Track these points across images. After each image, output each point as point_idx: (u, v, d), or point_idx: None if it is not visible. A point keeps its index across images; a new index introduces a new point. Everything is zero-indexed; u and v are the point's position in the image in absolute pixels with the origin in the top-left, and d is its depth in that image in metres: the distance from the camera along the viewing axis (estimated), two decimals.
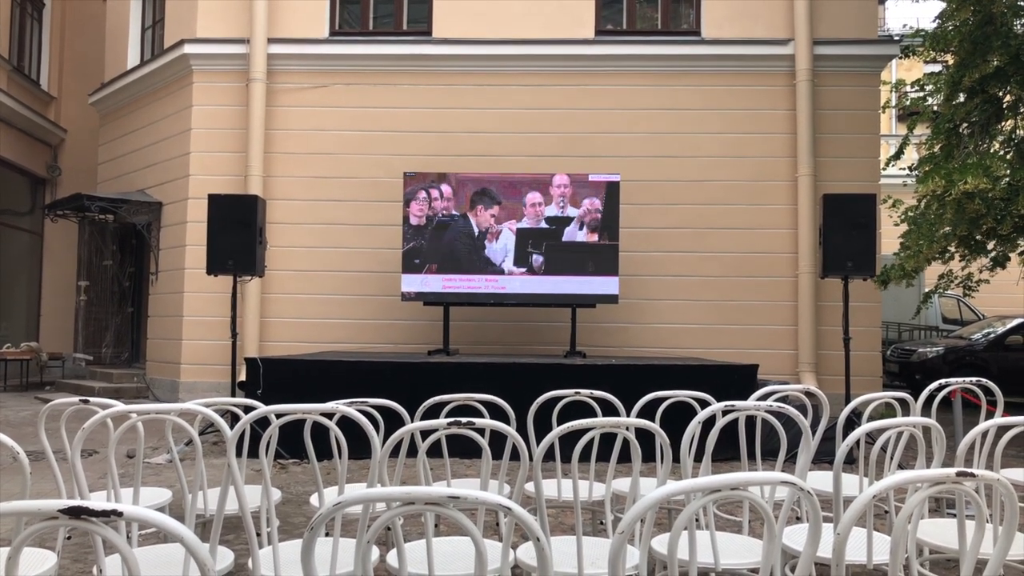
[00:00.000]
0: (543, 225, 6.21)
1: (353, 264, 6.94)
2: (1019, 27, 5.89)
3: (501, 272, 6.17)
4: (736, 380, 4.97)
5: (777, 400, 2.97)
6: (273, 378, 4.94)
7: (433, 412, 3.00)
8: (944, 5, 6.31)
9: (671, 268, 6.88)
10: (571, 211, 6.17)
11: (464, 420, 1.83)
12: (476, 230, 6.17)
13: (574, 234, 6.16)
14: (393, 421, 2.72)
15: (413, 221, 6.20)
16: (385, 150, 7.02)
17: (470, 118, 6.99)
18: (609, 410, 2.81)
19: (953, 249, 6.43)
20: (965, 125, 6.32)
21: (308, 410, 2.02)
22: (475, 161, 6.84)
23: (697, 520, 2.23)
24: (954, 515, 2.91)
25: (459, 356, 6.04)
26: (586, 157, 6.90)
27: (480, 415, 2.91)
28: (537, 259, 6.18)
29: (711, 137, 6.94)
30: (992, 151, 6.19)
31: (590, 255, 6.14)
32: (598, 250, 6.15)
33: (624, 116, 6.97)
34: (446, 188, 6.23)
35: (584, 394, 2.79)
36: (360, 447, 2.49)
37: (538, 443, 2.64)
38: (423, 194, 6.20)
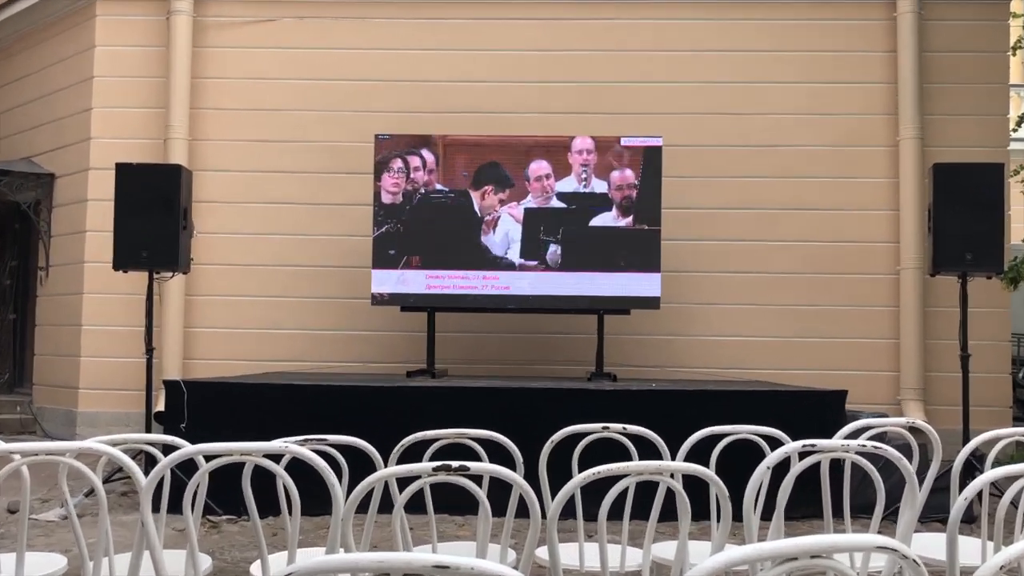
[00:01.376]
0: (557, 204, 6.23)
1: (308, 256, 6.96)
2: None
3: (504, 267, 6.21)
4: (817, 411, 4.99)
5: (872, 438, 2.97)
6: (202, 407, 4.97)
7: (414, 453, 3.00)
8: None
9: (730, 262, 6.86)
10: (597, 186, 6.19)
11: (455, 464, 1.84)
12: (476, 211, 6.20)
13: (601, 217, 6.18)
14: (361, 465, 2.73)
15: (387, 199, 6.23)
16: (349, 105, 7.02)
17: (462, 63, 7.00)
18: (648, 451, 2.81)
19: None
20: None
21: (248, 450, 2.04)
22: (468, 120, 6.85)
23: None
24: None
25: (448, 379, 6.07)
26: (616, 115, 6.89)
27: (476, 458, 2.92)
28: (553, 250, 6.20)
29: (784, 88, 6.95)
30: None
31: (623, 245, 6.16)
32: (633, 238, 6.17)
33: (667, 60, 6.96)
34: (430, 155, 6.25)
35: (615, 430, 2.79)
36: (317, 500, 2.50)
37: (553, 495, 2.64)
38: (399, 163, 6.23)
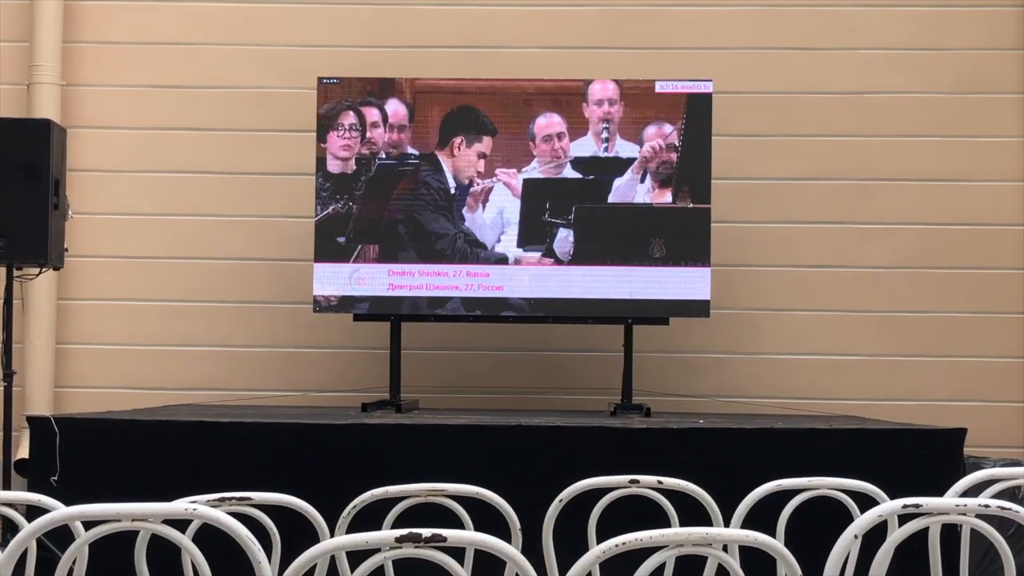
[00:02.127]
0: (570, 173, 6.22)
1: (225, 245, 6.95)
2: None
3: (496, 259, 6.21)
4: (925, 457, 4.99)
5: (1000, 495, 2.97)
6: (80, 453, 4.96)
7: (372, 517, 3.00)
8: None
9: (806, 253, 6.86)
10: (623, 148, 6.19)
11: (427, 532, 1.84)
12: (451, 182, 6.20)
13: (629, 190, 6.18)
14: (299, 533, 2.73)
15: (334, 167, 6.24)
16: (284, 37, 7.00)
17: None
18: (692, 513, 2.80)
19: None
20: None
21: (143, 514, 2.04)
22: (446, 59, 6.83)
23: None
24: None
25: (419, 413, 6.07)
26: (647, 50, 6.86)
27: (457, 523, 2.90)
28: (562, 236, 6.19)
29: (880, 14, 6.95)
30: None
31: (659, 228, 6.16)
32: (674, 219, 6.17)
33: None
34: (395, 106, 6.25)
35: (647, 483, 2.80)
36: None
37: (563, 574, 2.63)
38: (352, 117, 6.24)
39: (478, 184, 6.22)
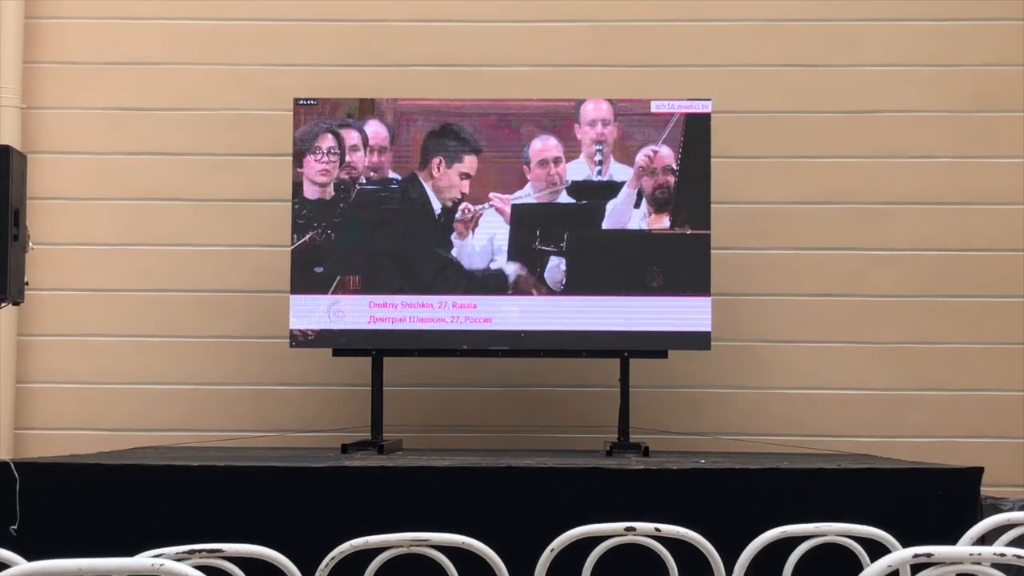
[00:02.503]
0: (563, 199, 6.25)
1: (196, 277, 6.96)
2: None
3: (485, 289, 6.23)
4: (939, 499, 4.98)
5: (1019, 541, 2.97)
6: (41, 501, 4.93)
7: (352, 568, 2.99)
8: None
9: (813, 281, 6.89)
10: (617, 171, 6.23)
11: None
12: (436, 206, 6.22)
13: (624, 215, 6.22)
14: None
15: (311, 192, 6.26)
16: (257, 57, 7.03)
17: None
18: (693, 562, 2.81)
19: None
20: None
21: (106, 570, 2.03)
22: (431, 78, 6.87)
23: None
24: None
25: (402, 455, 6.05)
26: (642, 68, 6.90)
27: (441, 575, 2.89)
28: (554, 265, 6.21)
29: (889, 29, 6.99)
30: None
31: (656, 256, 6.19)
32: (671, 247, 6.20)
33: None
34: (375, 128, 6.27)
35: (644, 531, 2.78)
36: None
37: None
38: (330, 140, 6.26)
39: (468, 211, 6.22)
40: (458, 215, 6.21)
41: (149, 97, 7.02)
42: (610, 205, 6.23)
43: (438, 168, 6.24)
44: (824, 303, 6.90)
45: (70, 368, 6.91)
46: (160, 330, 6.91)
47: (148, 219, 6.97)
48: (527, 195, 6.23)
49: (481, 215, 6.21)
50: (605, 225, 6.23)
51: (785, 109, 6.97)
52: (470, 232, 6.22)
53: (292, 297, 6.21)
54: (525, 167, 6.25)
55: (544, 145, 6.25)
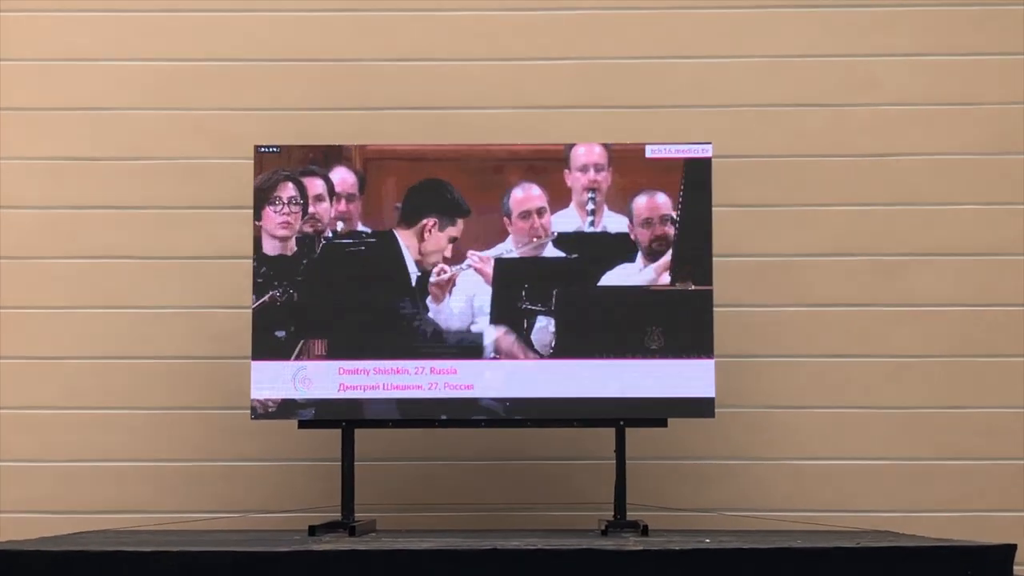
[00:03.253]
0: (551, 252, 6.29)
1: (145, 342, 6.97)
2: None
3: (465, 353, 6.25)
4: None
5: None
6: None
7: None
8: None
9: (824, 341, 6.91)
10: (612, 221, 6.27)
11: None
12: (412, 267, 6.27)
13: (619, 270, 6.25)
14: None
15: (271, 248, 6.26)
16: (214, 101, 7.09)
17: (395, 31, 7.09)
18: None
19: None
20: None
21: None
22: (406, 123, 6.94)
23: None
24: None
25: (376, 537, 6.00)
26: (635, 110, 6.97)
27: None
28: (542, 325, 6.23)
29: (904, 65, 7.07)
30: None
31: (655, 315, 6.20)
32: (671, 304, 6.22)
33: (715, 25, 7.07)
34: (342, 175, 6.30)
35: None
36: None
37: None
38: (291, 190, 6.27)
39: (444, 272, 6.23)
40: (432, 278, 6.22)
41: (93, 146, 7.07)
42: (606, 264, 6.27)
43: (430, 231, 6.27)
44: (839, 365, 6.91)
45: (7, 445, 6.88)
46: (109, 402, 6.91)
47: (95, 280, 6.98)
48: (508, 251, 6.26)
49: (458, 276, 6.23)
50: (602, 281, 6.24)
51: (793, 153, 7.02)
52: (447, 295, 6.25)
53: (253, 364, 6.20)
54: (505, 219, 6.28)
55: (526, 195, 6.28)
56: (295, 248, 6.26)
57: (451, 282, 6.24)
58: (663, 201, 6.27)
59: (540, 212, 6.27)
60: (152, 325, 7.01)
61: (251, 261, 6.29)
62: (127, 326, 7.00)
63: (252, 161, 6.34)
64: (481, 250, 6.27)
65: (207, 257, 7.00)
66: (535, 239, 6.29)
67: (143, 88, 7.13)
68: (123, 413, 6.94)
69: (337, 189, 6.29)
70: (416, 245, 6.27)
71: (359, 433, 6.31)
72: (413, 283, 6.27)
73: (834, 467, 6.89)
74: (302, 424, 6.32)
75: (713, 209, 6.27)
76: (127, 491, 6.86)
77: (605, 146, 6.33)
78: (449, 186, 6.30)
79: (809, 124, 7.06)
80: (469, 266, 6.27)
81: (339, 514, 6.19)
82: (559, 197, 6.29)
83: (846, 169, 7.04)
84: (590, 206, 6.27)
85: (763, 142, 7.03)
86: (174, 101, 7.12)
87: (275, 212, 6.28)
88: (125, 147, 7.08)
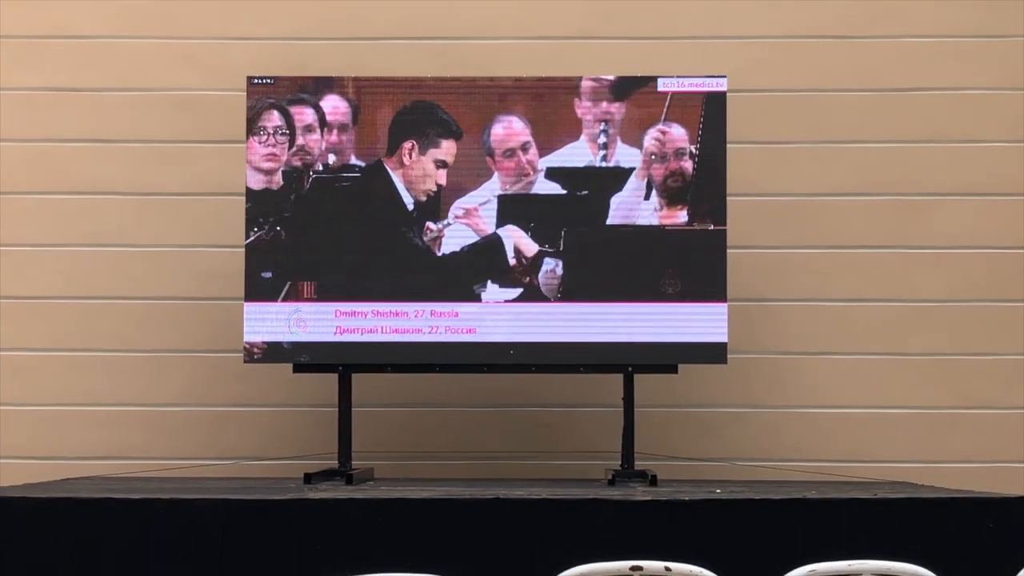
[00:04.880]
0: (553, 188, 6.25)
1: (134, 283, 6.98)
2: None
3: (468, 295, 6.23)
4: (989, 531, 4.95)
5: None
6: None
7: None
8: None
9: (843, 284, 6.92)
10: (625, 155, 6.23)
11: None
12: (406, 200, 6.23)
13: (632, 207, 6.22)
14: None
15: (256, 182, 6.23)
16: (206, 30, 7.05)
17: None
18: None
19: None
20: None
21: None
22: (406, 54, 6.92)
23: None
24: None
25: (374, 485, 6.05)
26: (647, 41, 6.95)
27: None
28: (549, 267, 6.22)
29: None
30: None
31: (668, 256, 6.19)
32: (685, 245, 6.20)
33: None
34: (334, 103, 6.25)
35: (652, 570, 2.78)
36: None
37: None
38: (276, 119, 6.23)
39: (430, 231, 6.18)
40: (426, 235, 6.19)
41: (80, 76, 7.05)
42: (615, 200, 6.21)
43: (409, 154, 6.22)
44: (857, 310, 6.91)
45: None
46: (97, 344, 6.94)
47: (82, 216, 6.98)
48: (494, 192, 6.23)
49: (444, 233, 6.21)
50: (611, 219, 6.21)
51: (811, 87, 6.98)
52: (449, 227, 6.23)
53: (246, 305, 6.20)
54: (488, 159, 6.24)
55: (507, 131, 6.24)
56: (281, 182, 6.22)
57: (438, 241, 6.20)
58: (679, 134, 6.23)
59: (525, 147, 6.23)
60: (139, 263, 7.00)
61: (243, 197, 6.28)
62: (115, 264, 6.99)
63: (244, 93, 6.31)
64: (467, 202, 6.23)
65: (199, 193, 6.99)
66: (523, 176, 6.25)
67: (129, 16, 7.08)
68: (111, 355, 6.95)
69: (328, 119, 6.24)
70: (402, 174, 6.24)
71: (356, 378, 6.32)
72: (407, 217, 6.24)
73: (851, 416, 6.88)
74: (297, 368, 6.32)
75: (727, 146, 6.26)
76: (115, 436, 6.88)
77: (614, 80, 6.28)
78: (432, 105, 6.24)
79: (827, 57, 7.01)
80: (456, 220, 6.23)
81: (336, 461, 6.21)
82: (569, 129, 6.24)
83: (867, 104, 6.99)
84: (602, 139, 6.24)
85: (780, 76, 6.99)
86: (163, 30, 7.07)
87: (259, 143, 6.25)
88: (110, 77, 7.06)
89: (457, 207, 6.21)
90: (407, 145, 6.21)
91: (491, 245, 6.21)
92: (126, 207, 6.99)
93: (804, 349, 6.90)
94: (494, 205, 6.23)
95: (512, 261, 6.19)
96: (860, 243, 6.94)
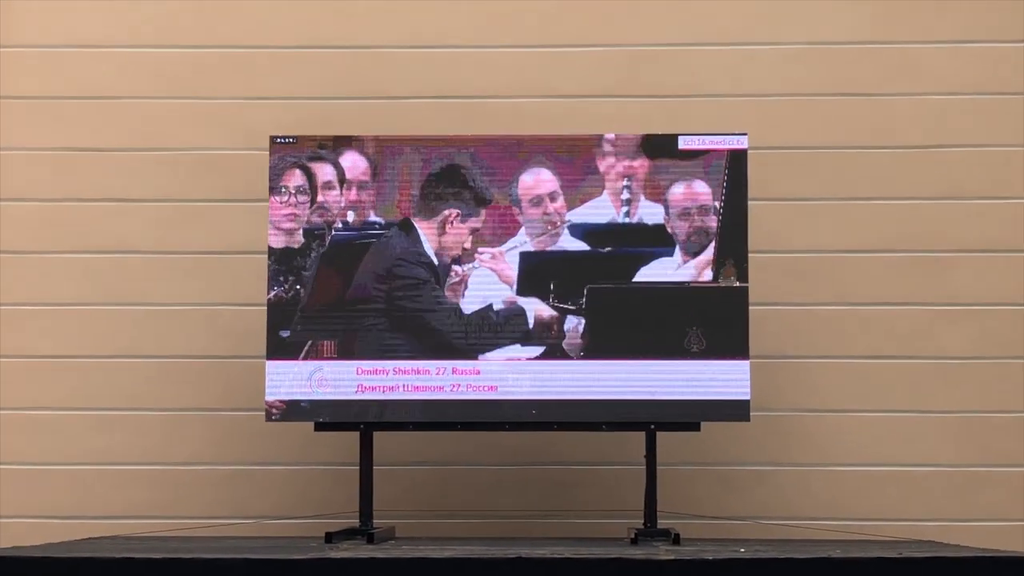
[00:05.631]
0: (573, 244, 6.24)
1: (161, 342, 6.96)
2: None
3: (492, 353, 6.22)
4: None
5: None
6: None
7: None
8: None
9: (864, 341, 6.87)
10: (648, 211, 6.23)
11: None
12: (432, 257, 6.23)
13: (657, 264, 6.22)
14: None
15: (277, 240, 6.23)
16: (229, 89, 7.09)
17: (415, 17, 7.10)
18: None
19: None
20: None
21: None
22: (427, 112, 6.93)
23: None
24: None
25: (396, 545, 5.99)
26: (666, 99, 6.97)
27: None
28: (572, 325, 6.20)
29: (950, 52, 7.03)
30: None
31: (693, 313, 6.17)
32: (709, 301, 6.18)
33: (751, 9, 7.08)
34: (354, 159, 6.24)
35: None
36: None
37: None
38: (298, 178, 6.22)
39: (457, 274, 6.18)
40: (449, 279, 6.18)
41: (104, 136, 7.07)
42: (641, 258, 6.20)
43: (452, 223, 6.22)
44: (881, 366, 6.86)
45: (14, 447, 6.89)
46: (119, 403, 6.91)
47: (103, 275, 6.98)
48: (522, 243, 6.22)
49: (469, 277, 6.19)
50: (639, 276, 6.18)
51: (833, 144, 6.98)
52: (467, 282, 6.19)
53: (268, 363, 6.18)
54: (515, 209, 6.23)
55: (536, 180, 6.23)
56: (302, 240, 6.20)
57: (463, 283, 6.19)
58: (703, 190, 6.21)
59: (552, 197, 6.21)
60: (163, 322, 6.98)
61: (266, 257, 6.26)
62: (137, 323, 6.98)
63: (267, 152, 6.33)
64: (493, 247, 6.24)
65: (221, 252, 7.00)
66: (550, 227, 6.23)
67: (152, 75, 7.11)
68: (133, 414, 6.93)
69: (348, 176, 6.23)
70: (436, 238, 6.22)
71: (378, 436, 6.29)
72: (434, 278, 6.22)
73: (875, 474, 6.83)
74: (318, 427, 6.29)
75: (748, 202, 6.25)
76: (137, 496, 6.85)
77: (640, 137, 6.28)
78: (466, 171, 6.23)
79: (849, 113, 7.00)
80: (480, 264, 6.22)
81: (357, 520, 6.19)
82: (592, 184, 6.23)
83: (888, 161, 6.98)
84: (625, 195, 6.21)
85: (801, 133, 6.98)
86: (185, 89, 7.11)
87: (280, 202, 6.24)
88: (135, 137, 7.05)
89: (484, 252, 6.21)
90: (451, 213, 6.21)
91: (514, 312, 6.20)
92: (147, 265, 6.99)
93: (828, 406, 6.86)
94: (517, 254, 6.22)
95: (532, 324, 6.17)
96: (883, 299, 6.89)
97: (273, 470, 6.90)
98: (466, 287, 6.18)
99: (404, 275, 6.21)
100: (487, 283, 6.20)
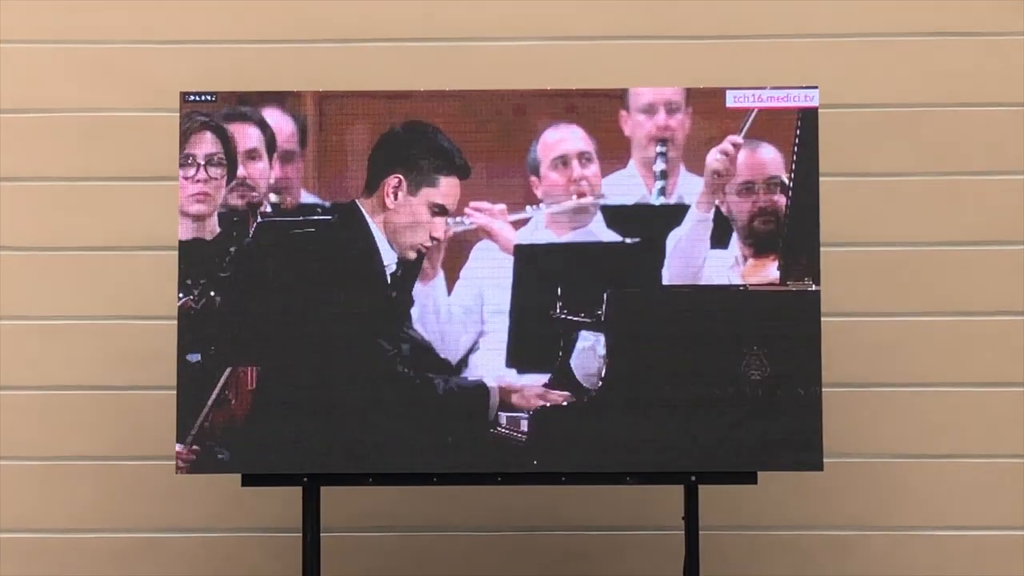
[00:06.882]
0: (598, 234, 5.42)
1: (33, 369, 6.41)
2: None
3: (468, 387, 5.49)
4: None
5: None
6: None
7: None
8: None
9: (968, 364, 6.23)
10: (689, 186, 5.39)
11: None
12: (386, 256, 5.43)
13: (695, 257, 5.42)
14: None
15: (186, 231, 5.44)
16: (126, 30, 6.52)
17: None
18: None
19: None
20: None
21: None
22: (382, 59, 6.40)
23: None
24: None
25: None
26: (711, 40, 6.42)
27: None
28: (587, 343, 5.35)
29: None
30: None
31: (751, 326, 5.40)
32: (774, 311, 5.43)
33: None
34: (286, 122, 5.48)
35: None
36: None
37: None
38: (210, 143, 5.43)
39: (428, 243, 5.41)
40: (426, 255, 5.39)
41: None
42: (671, 239, 5.35)
43: (394, 193, 5.38)
44: (1000, 396, 6.23)
45: None
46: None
47: None
48: (533, 222, 5.43)
49: (473, 243, 5.38)
50: (667, 277, 5.36)
51: (925, 102, 6.38)
52: (435, 282, 5.36)
53: (180, 399, 5.51)
54: (533, 179, 5.40)
55: (561, 136, 5.42)
56: (217, 229, 5.43)
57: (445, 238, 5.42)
58: (771, 157, 5.38)
59: (583, 158, 5.38)
60: (45, 342, 6.46)
61: (176, 251, 5.60)
62: (10, 344, 6.50)
63: (177, 112, 5.65)
64: (497, 204, 5.47)
65: (121, 248, 6.45)
66: (578, 196, 5.38)
67: (26, 14, 6.60)
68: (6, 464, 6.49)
69: (279, 142, 5.47)
70: (382, 219, 5.44)
71: (327, 492, 5.69)
72: (388, 279, 5.42)
73: (985, 539, 6.20)
74: (246, 481, 5.55)
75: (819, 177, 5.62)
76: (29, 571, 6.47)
77: (688, 91, 5.55)
78: (434, 130, 5.44)
79: (948, 62, 6.41)
80: (471, 222, 5.40)
81: None
82: (614, 153, 5.44)
83: (1004, 124, 6.36)
84: (659, 164, 5.35)
85: (881, 87, 6.38)
86: (72, 32, 6.57)
87: (188, 179, 5.43)
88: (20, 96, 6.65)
89: (478, 207, 5.45)
90: (390, 181, 5.38)
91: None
92: (24, 266, 6.48)
93: (924, 451, 6.23)
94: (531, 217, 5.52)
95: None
96: (993, 309, 6.29)
97: (187, 538, 6.35)
98: (456, 275, 5.41)
99: (349, 279, 5.47)
100: (484, 255, 5.42)
